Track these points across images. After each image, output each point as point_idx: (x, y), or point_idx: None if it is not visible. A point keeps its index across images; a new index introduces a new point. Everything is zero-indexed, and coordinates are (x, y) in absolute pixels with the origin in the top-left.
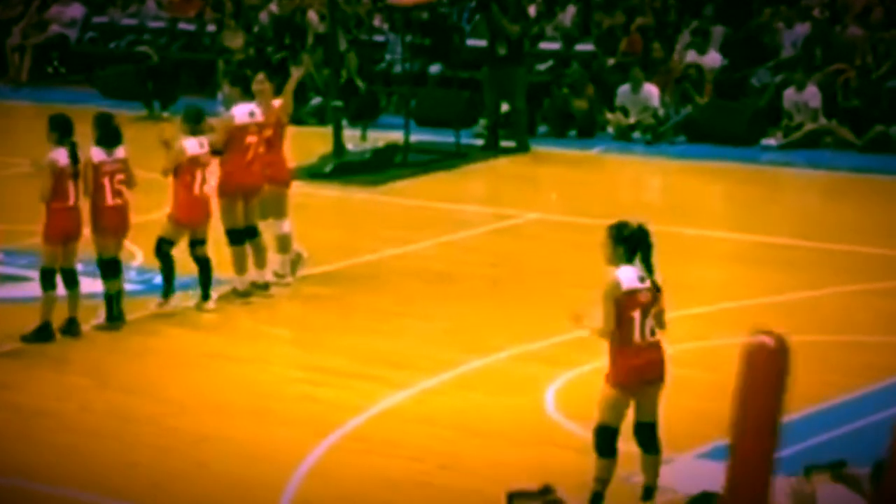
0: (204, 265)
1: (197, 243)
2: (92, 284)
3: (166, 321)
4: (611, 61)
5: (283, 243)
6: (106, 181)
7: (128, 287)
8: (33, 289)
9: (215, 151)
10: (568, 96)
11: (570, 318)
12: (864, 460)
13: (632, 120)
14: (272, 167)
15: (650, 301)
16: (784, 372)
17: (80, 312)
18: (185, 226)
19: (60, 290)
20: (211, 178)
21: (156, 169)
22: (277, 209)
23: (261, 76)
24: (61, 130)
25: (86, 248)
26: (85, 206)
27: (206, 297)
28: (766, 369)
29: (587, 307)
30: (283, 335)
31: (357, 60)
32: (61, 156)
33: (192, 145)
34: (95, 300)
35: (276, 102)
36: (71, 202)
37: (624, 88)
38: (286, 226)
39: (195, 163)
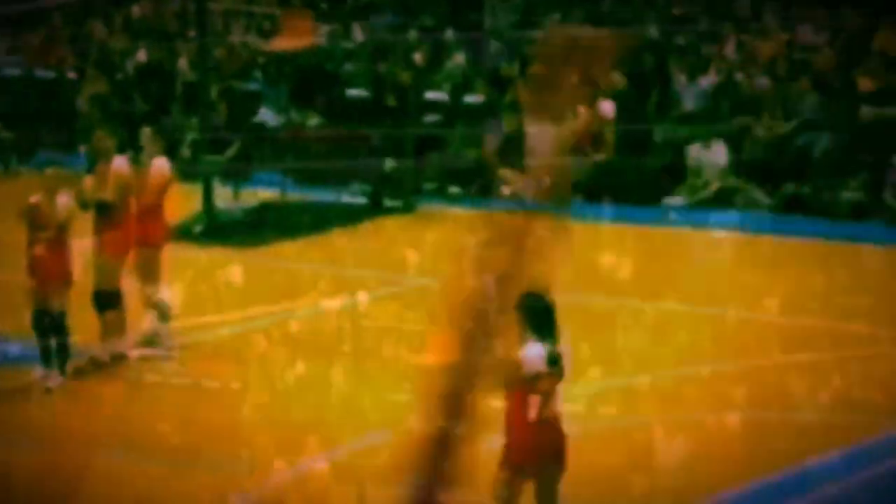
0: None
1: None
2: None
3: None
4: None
5: (163, 310)
6: None
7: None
8: None
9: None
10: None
11: None
12: None
13: None
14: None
15: (552, 386)
16: None
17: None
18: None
19: None
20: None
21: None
22: (152, 273)
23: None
24: None
25: None
26: None
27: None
28: None
29: None
30: None
31: (227, 111)
32: None
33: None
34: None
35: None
36: None
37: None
38: (162, 292)
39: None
